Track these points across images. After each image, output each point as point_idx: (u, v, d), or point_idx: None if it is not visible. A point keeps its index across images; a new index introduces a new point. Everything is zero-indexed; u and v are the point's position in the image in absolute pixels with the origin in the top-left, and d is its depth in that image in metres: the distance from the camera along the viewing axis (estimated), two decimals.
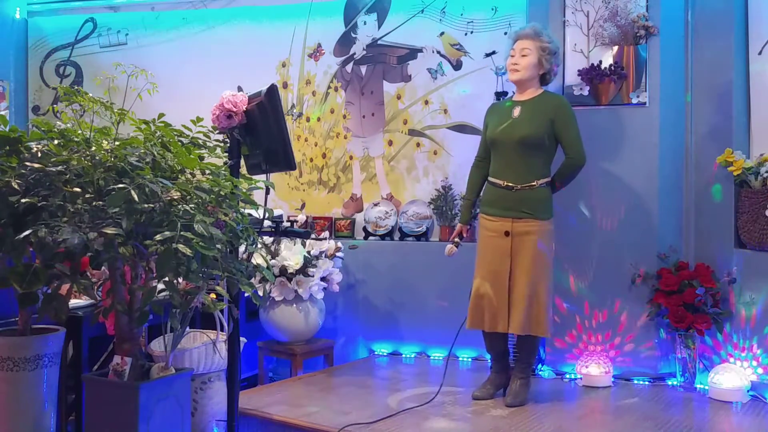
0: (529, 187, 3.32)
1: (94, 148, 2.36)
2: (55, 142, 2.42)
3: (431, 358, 4.28)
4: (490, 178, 3.45)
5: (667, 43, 3.81)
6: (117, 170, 2.30)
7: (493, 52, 4.31)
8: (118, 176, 2.29)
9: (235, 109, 2.53)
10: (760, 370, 3.44)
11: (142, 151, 2.40)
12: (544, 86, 3.48)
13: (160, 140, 2.49)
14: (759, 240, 3.46)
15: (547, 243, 3.35)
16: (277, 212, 3.63)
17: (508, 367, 3.50)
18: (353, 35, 4.68)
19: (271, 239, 3.98)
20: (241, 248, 2.60)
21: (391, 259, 4.40)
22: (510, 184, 3.34)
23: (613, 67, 3.82)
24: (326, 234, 4.45)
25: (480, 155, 3.56)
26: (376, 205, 4.56)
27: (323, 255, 4.04)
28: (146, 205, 2.19)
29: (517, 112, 3.40)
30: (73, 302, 2.95)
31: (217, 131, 2.65)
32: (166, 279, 2.22)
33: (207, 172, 2.45)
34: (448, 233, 4.25)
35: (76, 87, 3.07)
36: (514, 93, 3.54)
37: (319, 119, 4.71)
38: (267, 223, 2.66)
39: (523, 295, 3.26)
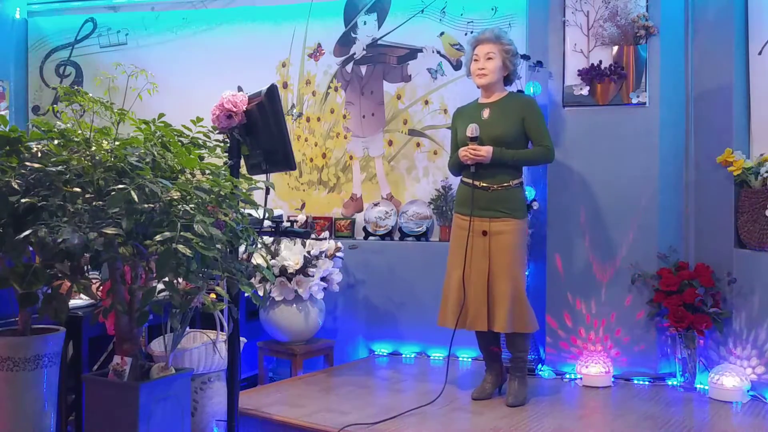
0: (504, 187, 3.34)
1: (94, 148, 2.36)
2: (55, 142, 2.42)
3: (431, 358, 4.28)
4: (464, 179, 3.46)
5: (667, 43, 3.81)
6: (117, 170, 2.31)
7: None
8: (118, 176, 2.29)
9: (235, 109, 2.53)
10: (760, 370, 3.44)
11: (142, 151, 2.40)
12: (507, 87, 3.53)
13: (160, 140, 2.49)
14: (759, 240, 3.45)
15: (522, 241, 3.38)
16: (277, 212, 3.62)
17: (502, 365, 3.51)
18: (353, 35, 4.67)
19: (271, 239, 3.98)
20: (241, 248, 2.60)
21: (391, 259, 4.39)
22: (485, 185, 3.35)
23: (613, 67, 3.82)
24: (326, 234, 4.45)
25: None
26: (376, 205, 4.56)
27: (323, 255, 4.04)
28: (146, 206, 2.19)
29: (486, 113, 3.43)
30: (73, 302, 2.95)
31: (217, 131, 2.65)
32: (166, 279, 2.22)
33: (207, 172, 2.45)
34: (448, 233, 4.24)
35: (76, 87, 3.07)
36: (479, 97, 3.54)
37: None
38: (267, 223, 2.66)
39: (506, 295, 3.27)
